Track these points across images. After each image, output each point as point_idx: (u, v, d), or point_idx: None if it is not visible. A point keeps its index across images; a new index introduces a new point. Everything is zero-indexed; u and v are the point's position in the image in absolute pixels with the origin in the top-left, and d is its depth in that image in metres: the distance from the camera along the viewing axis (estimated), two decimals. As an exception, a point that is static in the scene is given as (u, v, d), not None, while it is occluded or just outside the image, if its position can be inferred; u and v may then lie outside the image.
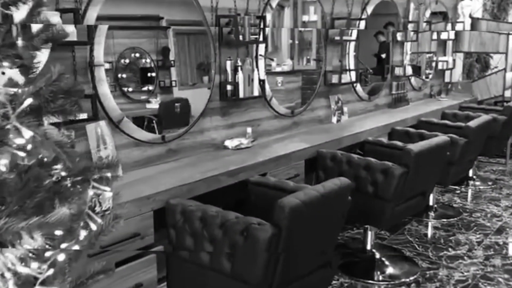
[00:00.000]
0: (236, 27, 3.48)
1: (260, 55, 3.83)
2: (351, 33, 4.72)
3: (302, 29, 4.48)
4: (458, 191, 5.42)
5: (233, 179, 3.10)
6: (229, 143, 3.64)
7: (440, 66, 6.53)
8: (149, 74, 3.32)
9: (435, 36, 6.36)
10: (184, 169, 3.12)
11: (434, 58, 6.49)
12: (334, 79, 4.57)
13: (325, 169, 3.71)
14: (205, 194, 2.92)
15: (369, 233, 3.76)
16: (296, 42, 4.55)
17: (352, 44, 4.82)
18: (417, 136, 4.49)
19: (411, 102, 5.86)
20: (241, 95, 3.60)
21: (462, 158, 4.38)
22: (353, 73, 4.84)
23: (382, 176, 3.40)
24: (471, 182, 5.62)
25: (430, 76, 6.47)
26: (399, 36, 5.49)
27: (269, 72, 4.11)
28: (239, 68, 3.59)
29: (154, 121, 3.32)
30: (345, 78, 4.67)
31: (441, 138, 3.66)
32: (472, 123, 4.35)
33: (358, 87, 5.03)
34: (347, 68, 4.81)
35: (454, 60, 6.67)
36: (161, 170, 3.09)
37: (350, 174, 3.54)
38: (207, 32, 3.42)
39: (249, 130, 3.79)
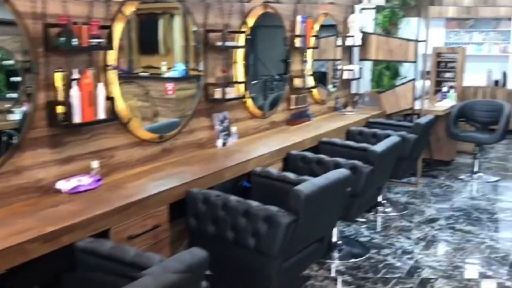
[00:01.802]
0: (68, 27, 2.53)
1: (109, 65, 2.89)
2: (238, 38, 3.91)
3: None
4: (365, 220, 4.78)
5: (50, 246, 2.15)
6: (63, 185, 2.67)
7: (345, 76, 5.90)
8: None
9: (339, 42, 5.72)
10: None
11: (340, 67, 5.86)
12: (218, 93, 3.72)
13: (197, 215, 2.85)
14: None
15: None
16: (193, 43, 3.65)
17: (240, 51, 4.00)
18: (315, 162, 3.77)
19: (314, 118, 5.16)
20: (77, 119, 2.65)
21: (367, 188, 3.70)
22: (241, 86, 4.03)
23: (266, 226, 2.59)
24: (380, 209, 5.00)
25: (335, 87, 5.83)
26: (298, 42, 4.76)
27: (157, 77, 3.28)
28: (75, 82, 2.64)
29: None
30: (232, 91, 3.83)
31: (341, 172, 2.92)
32: (378, 147, 3.68)
33: (250, 101, 4.22)
34: (235, 80, 3.99)
35: (360, 69, 6.08)
36: None
37: (227, 222, 2.71)
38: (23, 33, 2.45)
39: (95, 164, 2.84)
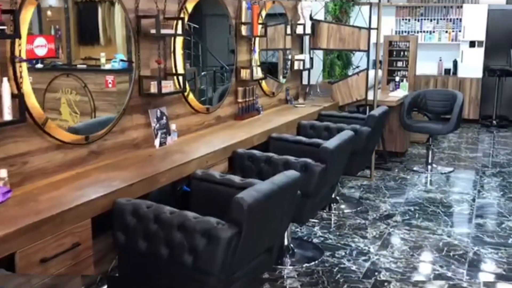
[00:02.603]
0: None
1: (16, 57, 2.46)
2: (175, 25, 3.52)
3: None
4: (319, 219, 4.51)
5: None
6: (-40, 200, 2.24)
7: (296, 66, 5.61)
8: None
9: (289, 30, 5.41)
10: None
11: (290, 57, 5.56)
12: (153, 87, 3.33)
13: (126, 230, 2.47)
14: None
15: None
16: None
17: (179, 40, 3.61)
18: (264, 161, 3.45)
19: (263, 111, 4.84)
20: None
21: (320, 188, 3.41)
22: (181, 78, 3.64)
23: (204, 241, 2.25)
24: (334, 206, 4.75)
25: (285, 78, 5.52)
26: (243, 30, 4.41)
27: (96, 70, 2.98)
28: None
29: None
30: (169, 85, 3.45)
31: (289, 176, 2.59)
32: (331, 144, 3.39)
33: (192, 95, 3.85)
34: (175, 71, 3.61)
35: (311, 59, 5.80)
36: None
37: (160, 238, 2.35)
38: None
39: (3, 173, 2.41)
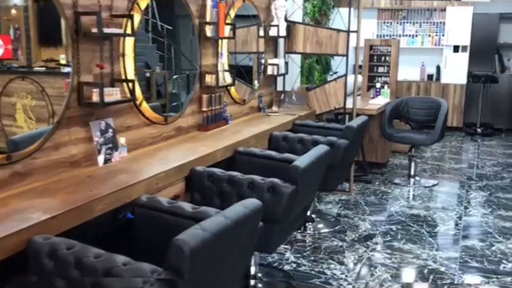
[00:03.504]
0: None
1: None
2: (125, 24, 3.05)
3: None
4: (292, 240, 4.07)
5: None
6: None
7: (270, 71, 5.17)
8: None
9: (262, 32, 4.98)
10: None
11: (263, 61, 5.12)
12: (95, 95, 2.85)
13: (42, 275, 1.99)
14: None
15: None
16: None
17: (130, 40, 3.14)
18: (226, 181, 3.00)
19: (232, 121, 4.39)
20: None
21: (289, 212, 2.97)
22: (139, 86, 3.17)
23: (137, 294, 1.78)
24: (309, 225, 4.32)
25: (258, 84, 5.08)
26: (208, 31, 3.96)
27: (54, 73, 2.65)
28: None
29: None
30: (116, 92, 2.97)
31: (248, 205, 2.13)
32: (302, 162, 2.94)
33: (145, 104, 3.37)
34: (124, 77, 3.14)
35: (287, 63, 5.37)
36: None
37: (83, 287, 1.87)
38: None
39: None
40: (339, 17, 5.40)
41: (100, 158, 2.94)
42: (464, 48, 8.61)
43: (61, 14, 2.68)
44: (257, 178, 2.95)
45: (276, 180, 2.90)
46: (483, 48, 8.67)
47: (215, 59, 4.17)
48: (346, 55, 5.07)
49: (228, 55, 4.37)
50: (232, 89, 4.51)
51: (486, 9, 8.60)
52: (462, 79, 8.70)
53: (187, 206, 2.42)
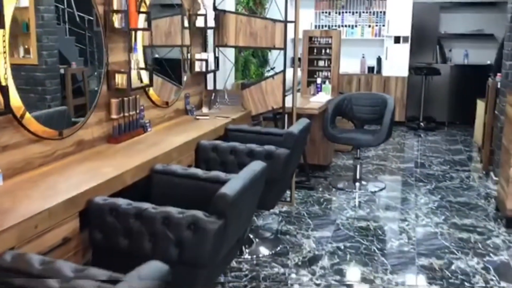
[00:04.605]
0: None
1: None
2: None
3: None
4: (227, 270, 3.45)
5: None
6: None
7: (197, 68, 4.50)
8: None
9: (186, 23, 4.28)
10: None
11: (189, 56, 4.43)
12: None
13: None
14: None
15: None
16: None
17: None
18: (134, 217, 2.30)
19: (152, 128, 3.69)
20: None
21: (217, 252, 2.33)
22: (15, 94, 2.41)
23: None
24: (247, 250, 3.70)
25: (184, 82, 4.39)
26: (116, 21, 3.23)
27: None
28: None
29: None
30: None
31: (155, 269, 1.48)
32: (231, 189, 2.27)
33: (28, 115, 2.61)
34: (-5, 82, 2.37)
35: (217, 58, 4.71)
36: None
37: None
38: None
39: None
40: (275, 6, 4.79)
41: (-41, 194, 2.18)
42: (405, 39, 8.26)
43: None
44: (174, 211, 2.28)
45: (198, 213, 2.24)
46: (424, 38, 8.37)
47: (127, 55, 3.45)
48: (284, 49, 4.47)
49: (144, 50, 3.66)
50: (151, 90, 3.80)
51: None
52: (404, 71, 8.37)
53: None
